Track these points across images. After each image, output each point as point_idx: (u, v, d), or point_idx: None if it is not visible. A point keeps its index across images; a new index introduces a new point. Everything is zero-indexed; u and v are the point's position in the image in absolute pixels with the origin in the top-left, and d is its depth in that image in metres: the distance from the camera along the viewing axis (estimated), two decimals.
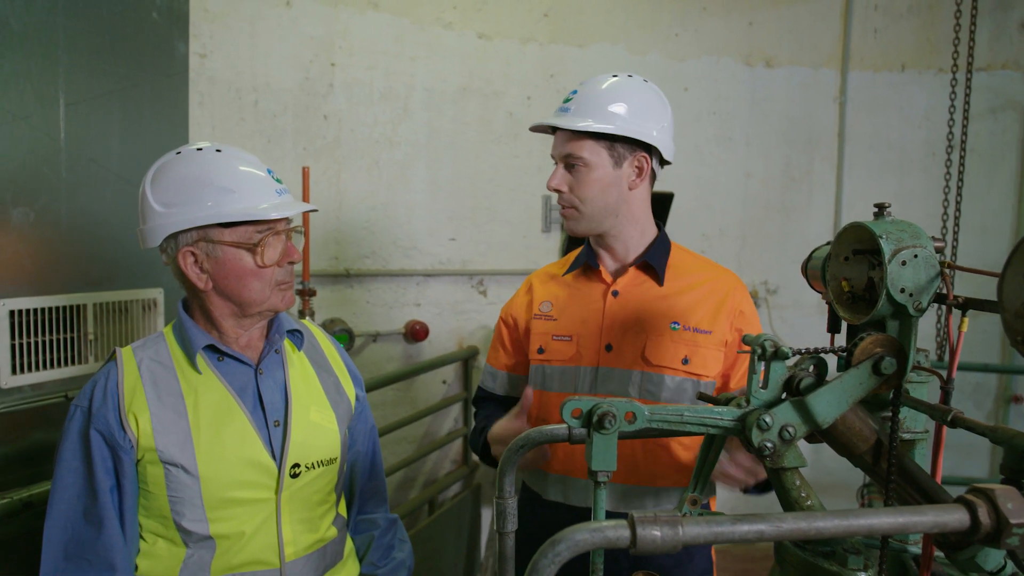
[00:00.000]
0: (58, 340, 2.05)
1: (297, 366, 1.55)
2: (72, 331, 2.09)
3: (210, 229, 1.37)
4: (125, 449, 1.35)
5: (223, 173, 1.38)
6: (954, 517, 0.74)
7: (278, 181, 1.45)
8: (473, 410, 2.03)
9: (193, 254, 1.39)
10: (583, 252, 1.83)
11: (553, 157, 1.74)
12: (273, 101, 3.63)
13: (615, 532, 0.71)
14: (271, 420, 1.45)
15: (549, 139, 1.79)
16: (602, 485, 0.92)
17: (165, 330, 1.51)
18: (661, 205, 3.71)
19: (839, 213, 4.38)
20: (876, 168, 4.41)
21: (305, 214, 2.59)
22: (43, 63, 1.99)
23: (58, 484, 1.37)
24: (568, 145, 1.68)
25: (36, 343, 1.98)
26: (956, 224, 3.04)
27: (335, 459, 1.54)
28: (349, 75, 3.74)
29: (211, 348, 1.44)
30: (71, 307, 2.07)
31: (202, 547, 1.39)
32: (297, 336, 1.56)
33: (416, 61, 3.83)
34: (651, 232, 1.79)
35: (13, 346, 1.92)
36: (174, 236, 1.39)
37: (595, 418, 0.88)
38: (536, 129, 1.78)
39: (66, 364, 2.07)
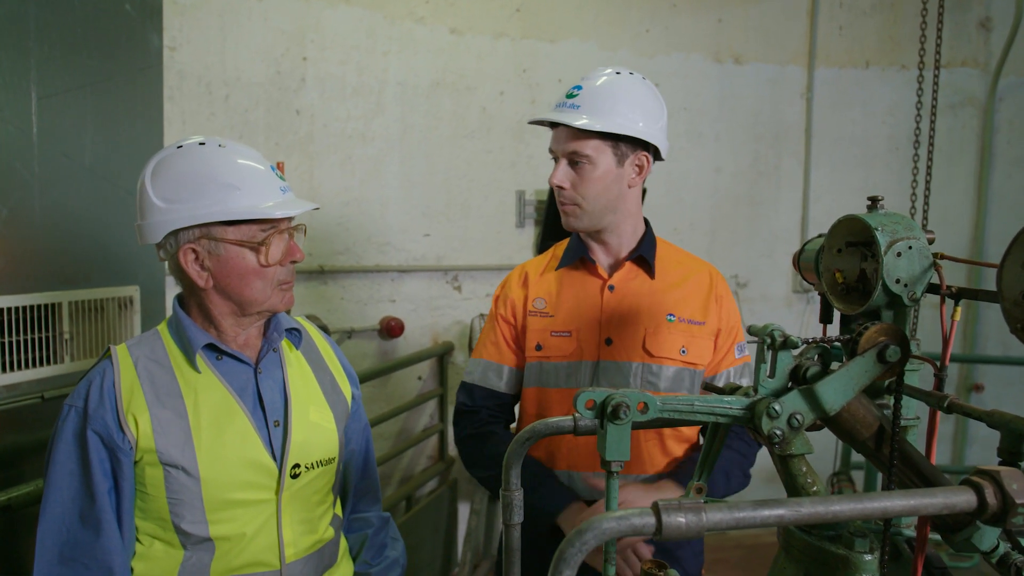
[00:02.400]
0: (33, 340, 2.00)
1: (295, 365, 1.52)
2: (47, 330, 2.04)
3: (213, 227, 1.34)
4: (124, 451, 1.32)
5: (227, 169, 1.35)
6: (962, 498, 0.77)
7: (281, 178, 1.42)
8: (456, 409, 1.90)
9: (195, 251, 1.36)
10: (574, 247, 1.83)
11: (553, 152, 1.73)
12: (244, 96, 3.58)
13: (641, 519, 0.73)
14: (271, 420, 1.42)
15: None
16: (615, 475, 0.93)
17: (160, 327, 1.47)
18: None
19: (806, 207, 4.47)
20: (841, 163, 4.51)
21: None
22: (14, 55, 1.93)
23: (52, 486, 1.33)
24: (574, 143, 1.67)
25: (10, 343, 1.93)
26: (925, 217, 3.13)
27: (333, 459, 1.52)
28: (321, 69, 3.70)
29: (210, 347, 1.41)
30: (45, 306, 2.03)
31: (201, 549, 1.36)
32: (295, 335, 1.54)
33: (389, 56, 3.81)
34: (641, 227, 1.82)
35: None
36: (175, 233, 1.35)
37: (609, 408, 0.89)
38: (536, 122, 1.77)
39: (41, 364, 2.02)
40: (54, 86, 2.04)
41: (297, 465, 1.43)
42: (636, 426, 0.93)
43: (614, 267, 1.80)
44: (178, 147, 1.39)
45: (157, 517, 1.36)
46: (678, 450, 1.77)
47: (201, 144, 1.38)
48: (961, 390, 4.69)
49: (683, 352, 1.72)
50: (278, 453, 1.42)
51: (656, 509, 0.73)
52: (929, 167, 3.24)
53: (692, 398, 0.94)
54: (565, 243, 1.87)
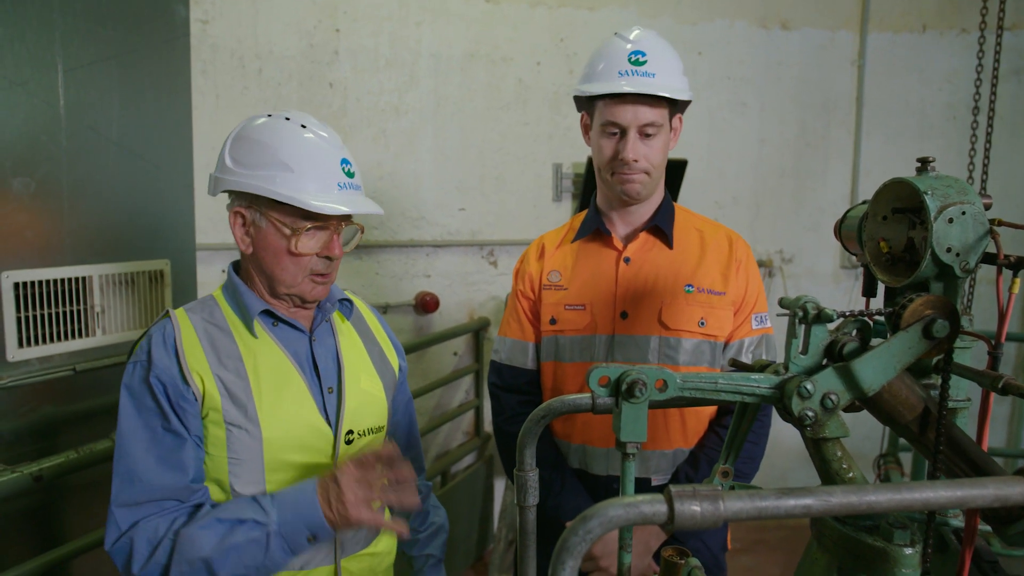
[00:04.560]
0: (64, 313, 2.01)
1: (346, 335, 1.55)
2: (78, 303, 2.06)
3: (261, 199, 1.36)
4: (189, 401, 1.33)
5: (291, 149, 1.35)
6: (1016, 491, 0.69)
7: (349, 176, 1.41)
8: (489, 389, 1.89)
9: (243, 216, 1.40)
10: (591, 218, 1.78)
11: (621, 124, 1.62)
12: (277, 69, 3.55)
13: (651, 507, 0.66)
14: (325, 387, 1.45)
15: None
16: (631, 457, 0.87)
17: (215, 294, 1.49)
18: (675, 172, 3.62)
19: (856, 180, 4.28)
20: (894, 133, 4.29)
21: None
22: (39, 27, 1.92)
23: (124, 438, 1.31)
24: (652, 112, 1.61)
25: (42, 315, 1.95)
26: (983, 188, 2.95)
27: (383, 427, 1.55)
28: (353, 41, 3.65)
29: (267, 313, 1.44)
30: (76, 279, 2.04)
31: None
32: (347, 306, 1.56)
33: (421, 26, 3.74)
34: (660, 194, 1.76)
35: (19, 319, 1.90)
36: (235, 193, 1.40)
37: (624, 386, 0.83)
38: (611, 95, 1.62)
39: (73, 337, 2.04)
40: (79, 58, 2.02)
41: (351, 431, 1.45)
42: (654, 405, 0.86)
43: (630, 238, 1.75)
44: (268, 116, 1.42)
45: (215, 478, 1.37)
46: (700, 421, 1.70)
47: (287, 119, 1.40)
48: (1020, 371, 4.47)
49: (702, 324, 1.66)
50: (332, 419, 1.44)
51: (668, 496, 0.67)
52: (989, 135, 3.06)
53: (716, 375, 0.87)
54: (583, 215, 1.82)
